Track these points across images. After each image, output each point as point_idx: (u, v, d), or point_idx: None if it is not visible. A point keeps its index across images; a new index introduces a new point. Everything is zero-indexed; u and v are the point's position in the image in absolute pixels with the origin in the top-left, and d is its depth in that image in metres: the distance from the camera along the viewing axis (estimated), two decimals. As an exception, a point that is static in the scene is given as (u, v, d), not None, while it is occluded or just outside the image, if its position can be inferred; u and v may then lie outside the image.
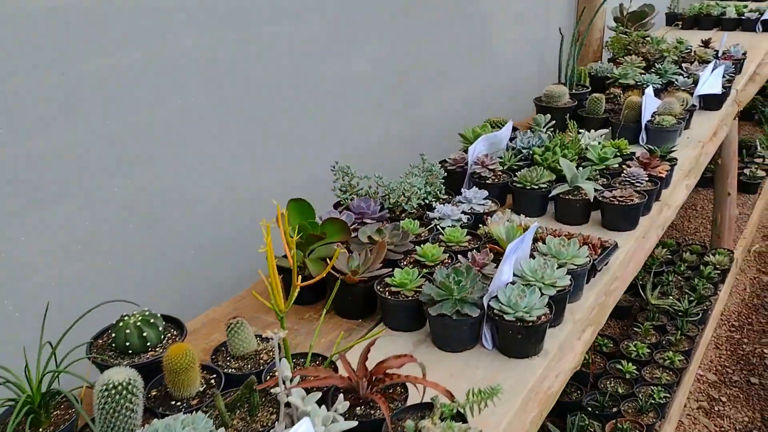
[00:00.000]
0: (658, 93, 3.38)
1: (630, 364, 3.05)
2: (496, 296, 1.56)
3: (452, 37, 3.36)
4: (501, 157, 2.50)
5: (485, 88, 3.70)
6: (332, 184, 2.14)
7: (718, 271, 3.77)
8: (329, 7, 2.56)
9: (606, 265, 1.92)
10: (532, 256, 1.76)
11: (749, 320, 3.75)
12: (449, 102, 3.41)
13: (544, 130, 2.72)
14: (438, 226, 2.01)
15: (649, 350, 3.16)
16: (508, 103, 3.70)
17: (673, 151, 2.55)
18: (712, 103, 3.37)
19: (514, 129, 2.82)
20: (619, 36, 4.05)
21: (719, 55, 4.02)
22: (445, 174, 2.30)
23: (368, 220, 1.98)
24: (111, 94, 1.82)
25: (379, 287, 1.67)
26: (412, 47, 3.07)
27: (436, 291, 1.55)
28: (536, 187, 2.26)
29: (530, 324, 1.51)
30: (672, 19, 5.60)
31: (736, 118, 3.84)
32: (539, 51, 4.28)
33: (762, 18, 5.18)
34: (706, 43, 4.17)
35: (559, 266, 1.70)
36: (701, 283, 3.65)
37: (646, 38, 4.29)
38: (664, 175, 2.33)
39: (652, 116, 3.00)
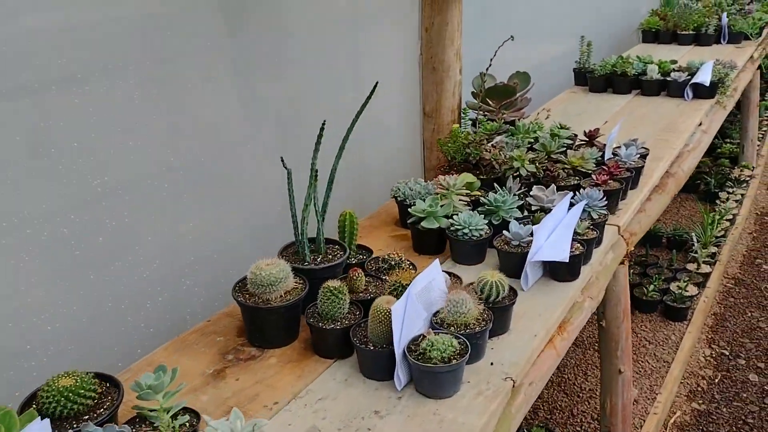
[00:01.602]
0: (475, 252, 2.08)
1: None
2: None
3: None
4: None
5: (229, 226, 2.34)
6: None
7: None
8: None
9: None
10: None
11: None
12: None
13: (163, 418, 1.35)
14: None
15: None
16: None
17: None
18: (561, 271, 2.03)
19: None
20: (457, 131, 2.71)
21: (606, 158, 2.70)
22: None
23: None
24: None
25: None
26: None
27: None
28: None
29: None
30: (581, 77, 4.30)
31: (625, 262, 2.51)
32: (357, 168, 2.94)
33: (692, 81, 3.88)
34: (591, 137, 2.84)
35: None
36: None
37: (512, 126, 2.98)
38: None
39: (429, 328, 1.66)
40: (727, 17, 5.50)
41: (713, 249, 4.29)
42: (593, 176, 2.44)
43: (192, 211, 2.13)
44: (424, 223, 2.17)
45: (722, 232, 4.46)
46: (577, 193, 2.24)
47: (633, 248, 2.51)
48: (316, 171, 1.81)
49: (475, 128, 2.95)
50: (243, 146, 2.30)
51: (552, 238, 2.01)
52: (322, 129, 1.78)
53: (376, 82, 1.81)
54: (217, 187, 2.22)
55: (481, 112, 3.09)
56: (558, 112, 3.78)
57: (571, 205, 2.17)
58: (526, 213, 2.29)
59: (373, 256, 2.01)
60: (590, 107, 3.85)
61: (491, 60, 2.93)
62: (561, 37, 4.76)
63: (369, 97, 1.81)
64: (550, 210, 2.19)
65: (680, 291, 3.77)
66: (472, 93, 3.13)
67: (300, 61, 2.53)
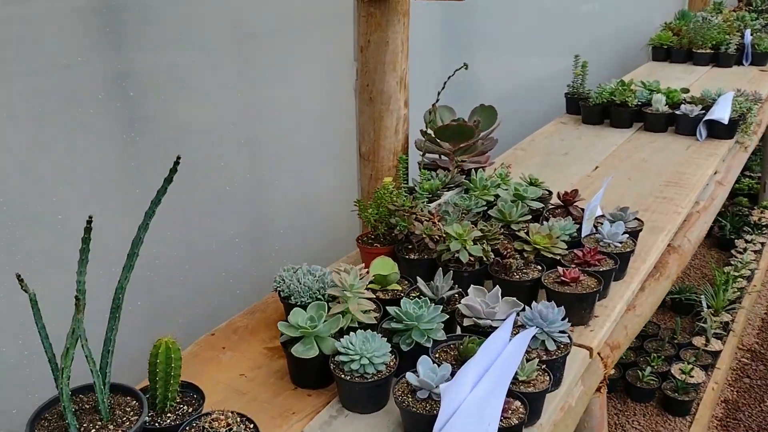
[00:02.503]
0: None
1: None
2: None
3: None
4: None
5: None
6: None
7: None
8: None
9: None
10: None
11: None
12: None
13: None
14: None
15: None
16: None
17: None
18: (489, 445, 1.32)
19: None
20: (385, 189, 2.00)
21: (584, 233, 1.99)
22: None
23: None
24: None
25: None
26: None
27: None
28: None
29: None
30: (573, 105, 3.58)
31: (602, 389, 1.80)
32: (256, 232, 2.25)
33: (707, 117, 3.15)
34: (566, 202, 2.12)
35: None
36: None
37: (466, 179, 2.27)
38: None
39: None
40: (751, 35, 4.74)
41: (726, 317, 3.55)
42: (560, 269, 1.72)
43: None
44: (297, 349, 1.46)
45: (737, 293, 3.72)
46: (527, 307, 1.53)
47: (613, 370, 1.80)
48: (83, 294, 1.11)
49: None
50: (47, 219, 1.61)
51: (478, 390, 1.30)
52: (87, 229, 1.08)
53: (178, 156, 1.10)
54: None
55: (424, 158, 2.39)
56: (539, 150, 3.07)
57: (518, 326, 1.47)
58: (459, 330, 1.59)
59: (203, 411, 1.31)
60: (579, 145, 3.14)
61: (439, 93, 2.22)
62: (562, 50, 4.03)
63: (171, 176, 1.12)
64: (491, 329, 1.49)
65: (683, 377, 3.04)
66: (421, 131, 2.42)
67: (179, 89, 1.85)
